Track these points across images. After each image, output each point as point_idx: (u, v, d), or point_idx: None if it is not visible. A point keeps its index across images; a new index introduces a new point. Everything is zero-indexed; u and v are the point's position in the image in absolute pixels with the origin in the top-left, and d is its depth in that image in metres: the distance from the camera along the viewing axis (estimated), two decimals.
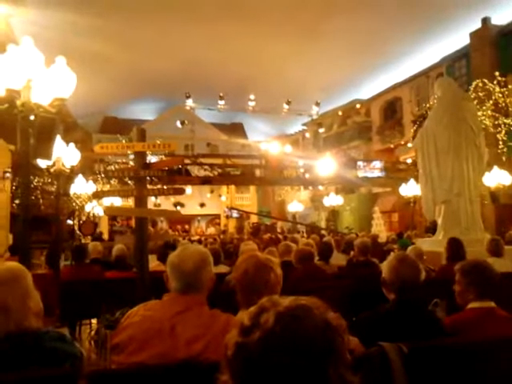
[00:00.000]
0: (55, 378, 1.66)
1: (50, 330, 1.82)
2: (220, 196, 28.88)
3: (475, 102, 13.06)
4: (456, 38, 18.96)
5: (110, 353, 1.92)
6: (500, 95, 14.79)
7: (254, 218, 27.01)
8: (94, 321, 5.53)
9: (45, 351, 1.71)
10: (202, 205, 28.55)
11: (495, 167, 12.13)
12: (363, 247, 5.51)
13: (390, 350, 1.84)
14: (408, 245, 6.92)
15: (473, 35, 17.86)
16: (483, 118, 13.76)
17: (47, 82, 4.02)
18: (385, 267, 2.47)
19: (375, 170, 20.95)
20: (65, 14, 16.49)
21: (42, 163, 7.75)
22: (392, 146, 23.67)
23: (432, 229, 10.64)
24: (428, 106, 16.34)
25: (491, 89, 14.88)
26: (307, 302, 0.90)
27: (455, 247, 5.00)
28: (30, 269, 2.68)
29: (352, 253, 6.42)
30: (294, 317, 0.86)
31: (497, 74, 15.18)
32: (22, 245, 4.07)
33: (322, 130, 27.84)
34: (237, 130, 34.69)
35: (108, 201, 14.71)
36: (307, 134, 30.87)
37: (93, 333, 5.10)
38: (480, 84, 15.05)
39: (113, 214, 19.74)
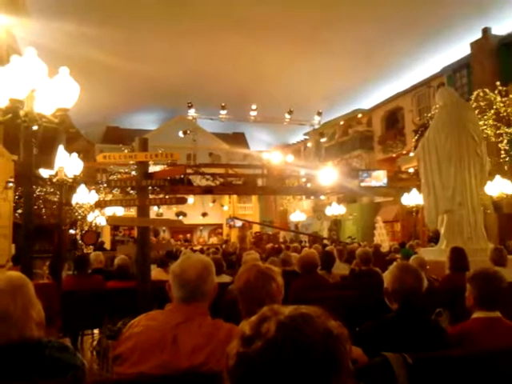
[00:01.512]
0: None
1: (52, 340, 1.82)
2: (222, 206, 28.87)
3: (476, 111, 13.08)
4: (457, 48, 19.06)
5: (112, 363, 1.91)
6: (501, 105, 14.81)
7: (256, 228, 26.96)
8: (95, 331, 5.51)
9: (46, 361, 1.70)
10: (204, 214, 28.52)
11: (497, 176, 12.11)
12: (365, 257, 5.49)
13: (393, 361, 1.83)
14: (411, 254, 6.90)
15: (473, 45, 17.95)
16: (485, 127, 13.77)
17: (50, 92, 4.04)
18: (387, 277, 2.45)
19: (377, 179, 20.93)
20: (68, 24, 16.63)
21: (45, 173, 7.77)
22: (394, 155, 23.68)
23: (435, 238, 10.62)
24: (429, 115, 16.37)
25: (492, 98, 14.90)
26: (308, 310, 0.90)
27: (458, 257, 4.98)
28: (32, 278, 2.67)
29: (354, 262, 6.41)
30: (296, 326, 0.85)
31: (498, 83, 15.21)
32: (24, 254, 4.07)
33: (323, 140, 27.88)
34: (239, 139, 34.77)
35: (110, 210, 14.70)
36: (309, 144, 30.90)
37: (95, 343, 5.08)
38: (481, 93, 15.08)
39: (115, 224, 19.77)
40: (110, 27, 18.59)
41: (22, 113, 3.85)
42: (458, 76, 19.46)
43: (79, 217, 14.54)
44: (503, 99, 14.88)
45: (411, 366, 1.82)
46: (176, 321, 1.87)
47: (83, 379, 1.73)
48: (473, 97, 15.23)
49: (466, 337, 2.32)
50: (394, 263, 2.58)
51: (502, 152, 14.39)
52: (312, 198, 25.51)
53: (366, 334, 2.30)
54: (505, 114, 14.77)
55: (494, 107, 14.79)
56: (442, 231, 7.61)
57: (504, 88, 15.12)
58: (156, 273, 5.52)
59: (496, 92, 15.01)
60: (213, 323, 1.92)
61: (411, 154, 18.23)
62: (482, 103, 14.81)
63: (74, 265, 6.10)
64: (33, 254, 4.20)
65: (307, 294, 3.90)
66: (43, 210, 12.89)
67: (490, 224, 11.69)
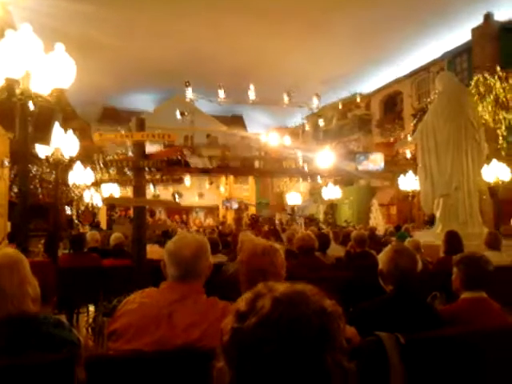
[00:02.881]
0: (53, 363, 1.67)
1: (48, 316, 1.83)
2: (219, 187, 28.87)
3: (476, 96, 13.03)
4: (458, 34, 18.93)
5: (106, 340, 1.93)
6: (501, 90, 14.73)
7: (252, 210, 27.01)
8: (91, 308, 5.54)
9: (42, 337, 1.71)
10: (201, 195, 28.54)
11: (494, 162, 12.12)
12: (360, 239, 5.52)
13: (386, 340, 1.85)
14: (406, 237, 6.94)
15: (475, 30, 17.80)
16: (483, 112, 13.72)
17: (46, 69, 4.00)
18: (382, 258, 2.47)
19: (374, 163, 20.94)
20: (64, 2, 16.38)
21: (41, 152, 7.72)
22: (392, 139, 23.65)
23: (430, 222, 10.67)
24: (428, 100, 16.30)
25: (492, 84, 14.82)
26: (303, 288, 0.91)
27: (453, 240, 5.00)
28: (28, 256, 2.67)
29: (349, 244, 6.43)
30: (290, 302, 0.86)
31: (498, 68, 15.11)
32: (19, 232, 4.07)
33: (322, 123, 27.78)
34: (236, 121, 34.60)
35: (106, 190, 14.70)
36: (307, 127, 30.78)
37: (90, 320, 5.12)
38: (481, 79, 14.99)
39: (111, 204, 19.75)
40: (106, 5, 18.34)
41: (17, 91, 3.81)
42: (459, 61, 19.34)
43: (75, 197, 14.53)
44: (503, 85, 14.80)
45: (404, 345, 1.85)
46: (171, 298, 1.88)
47: (79, 355, 1.75)
48: (472, 82, 15.15)
49: (455, 317, 2.37)
50: (389, 245, 2.59)
51: (500, 138, 14.37)
52: (309, 180, 25.53)
53: (360, 314, 2.32)
54: (504, 99, 14.70)
55: (494, 93, 14.72)
56: (438, 215, 7.66)
57: (504, 73, 15.02)
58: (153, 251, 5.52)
59: (496, 77, 14.92)
60: (208, 301, 1.94)
61: (409, 138, 18.19)
62: (481, 88, 14.73)
63: (71, 243, 6.11)
64: (28, 232, 4.20)
65: (303, 274, 3.93)
66: (39, 189, 12.88)
67: (485, 209, 11.73)
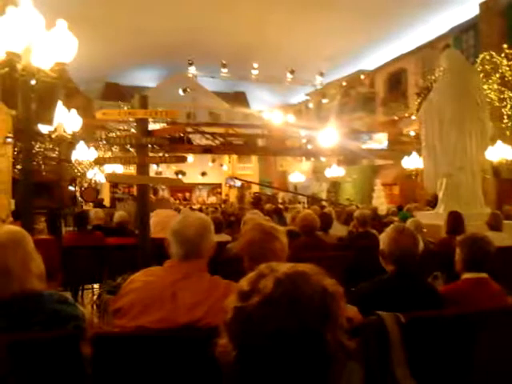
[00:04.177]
0: (58, 339, 1.70)
1: (53, 293, 1.85)
2: (221, 165, 28.83)
3: (481, 74, 12.87)
4: (465, 8, 18.53)
5: (112, 317, 1.96)
6: (507, 68, 14.53)
7: (255, 188, 27.03)
8: (96, 286, 5.60)
9: (47, 313, 1.73)
10: (204, 174, 28.53)
11: (499, 141, 12.04)
12: (362, 219, 5.53)
13: (387, 320, 1.87)
14: (408, 217, 6.94)
15: (482, 5, 17.43)
16: (489, 91, 13.56)
17: (48, 45, 3.96)
18: (383, 238, 2.48)
19: (378, 142, 20.81)
20: None
21: (44, 129, 7.70)
22: (396, 118, 23.43)
23: (433, 202, 10.65)
24: (433, 78, 16.09)
25: (498, 62, 14.60)
26: (305, 268, 0.92)
27: (455, 221, 5.01)
28: (33, 234, 2.69)
29: (352, 224, 6.45)
30: (292, 282, 0.87)
31: (505, 46, 14.87)
32: (23, 210, 4.09)
33: (325, 101, 27.54)
34: (239, 99, 34.31)
35: (110, 168, 14.70)
36: (310, 105, 30.54)
37: (95, 298, 5.17)
38: (487, 57, 14.77)
39: (115, 181, 19.80)
40: None
41: (19, 66, 3.77)
42: (465, 38, 19.03)
43: (78, 174, 14.54)
44: (509, 63, 14.58)
45: (404, 325, 1.87)
46: (175, 277, 1.91)
47: (84, 330, 1.77)
48: (479, 60, 14.93)
49: (455, 297, 2.39)
50: (391, 225, 2.60)
51: (505, 117, 14.23)
52: (312, 159, 25.46)
53: (361, 294, 2.34)
54: (510, 78, 14.51)
55: (500, 71, 14.52)
56: (441, 195, 7.64)
57: (511, 51, 14.78)
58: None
59: (502, 55, 14.69)
60: (211, 280, 1.96)
61: (413, 117, 18.04)
62: (487, 66, 14.53)
63: (75, 221, 6.15)
64: (32, 209, 4.21)
65: (305, 253, 3.95)
66: (42, 167, 12.87)
67: (488, 189, 11.71)
